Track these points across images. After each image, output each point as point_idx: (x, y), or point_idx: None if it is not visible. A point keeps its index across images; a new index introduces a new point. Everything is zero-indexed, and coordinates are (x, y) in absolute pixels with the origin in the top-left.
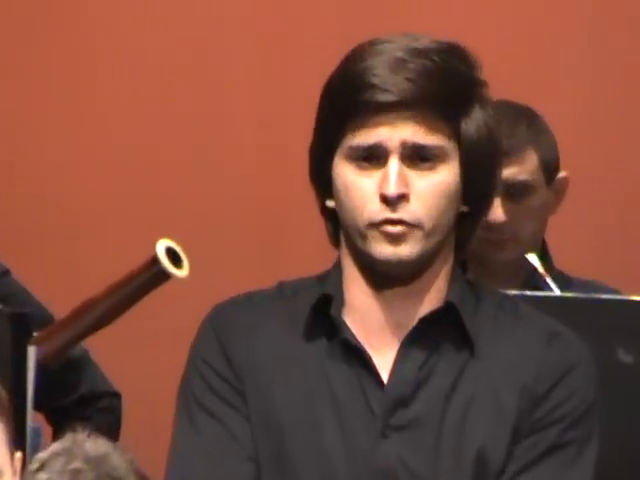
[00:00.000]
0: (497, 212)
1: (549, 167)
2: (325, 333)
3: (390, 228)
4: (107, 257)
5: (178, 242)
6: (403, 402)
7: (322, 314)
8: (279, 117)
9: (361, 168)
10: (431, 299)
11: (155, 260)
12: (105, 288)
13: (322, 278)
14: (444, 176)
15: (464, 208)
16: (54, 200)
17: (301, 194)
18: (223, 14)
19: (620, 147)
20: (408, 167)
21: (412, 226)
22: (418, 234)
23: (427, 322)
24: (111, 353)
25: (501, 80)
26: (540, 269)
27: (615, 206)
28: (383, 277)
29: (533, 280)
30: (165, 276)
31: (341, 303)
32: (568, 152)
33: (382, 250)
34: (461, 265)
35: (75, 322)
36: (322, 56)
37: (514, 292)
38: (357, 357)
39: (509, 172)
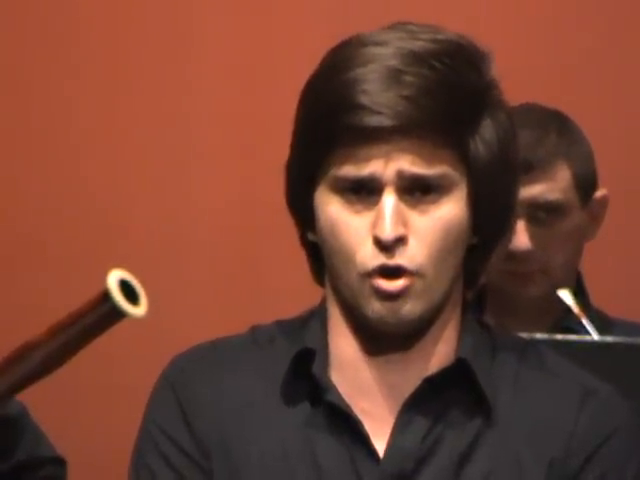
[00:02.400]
0: (521, 239)
1: (584, 184)
2: (307, 394)
3: (386, 284)
4: (49, 292)
5: (134, 274)
6: (404, 479)
7: (303, 371)
8: (253, 124)
9: (350, 203)
10: (438, 354)
11: (106, 295)
12: (46, 329)
13: (304, 321)
14: (449, 210)
15: (474, 240)
16: None
17: (281, 220)
18: (206, 13)
19: None
20: (406, 202)
21: (412, 275)
22: (419, 285)
23: (433, 383)
24: (53, 411)
25: (522, 80)
26: (574, 308)
27: None
28: (379, 333)
29: (566, 321)
30: (118, 314)
31: (325, 358)
32: (607, 166)
33: (376, 309)
34: (478, 302)
35: (9, 370)
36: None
37: (542, 336)
38: (346, 424)
39: (536, 190)
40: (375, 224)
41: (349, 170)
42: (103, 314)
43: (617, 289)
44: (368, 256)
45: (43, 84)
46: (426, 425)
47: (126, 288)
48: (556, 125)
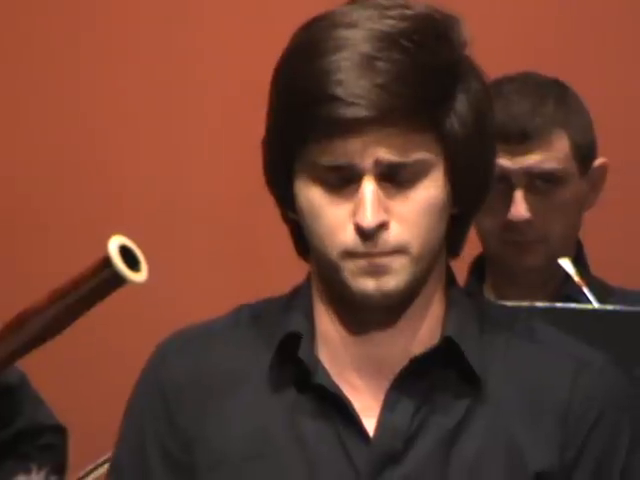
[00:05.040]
0: (520, 208)
1: (583, 153)
2: (294, 378)
3: (369, 259)
4: (50, 258)
5: (135, 241)
6: (394, 458)
7: (289, 354)
8: (256, 112)
9: (330, 191)
10: (424, 329)
11: (107, 261)
12: (46, 295)
13: (290, 299)
14: (429, 191)
15: (454, 210)
16: None
17: None
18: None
19: None
20: (385, 188)
21: (395, 253)
22: (404, 261)
23: (420, 361)
24: (54, 378)
25: (521, 49)
26: (575, 277)
27: None
28: (364, 309)
29: (566, 290)
30: (119, 280)
31: (312, 339)
32: (606, 134)
33: (361, 284)
34: (478, 273)
35: (9, 337)
36: None
37: (542, 304)
38: (334, 406)
39: (533, 160)
40: (356, 212)
41: (327, 160)
42: (103, 280)
43: (617, 257)
44: (350, 241)
45: (40, 57)
46: (415, 403)
47: (127, 254)
48: (554, 94)
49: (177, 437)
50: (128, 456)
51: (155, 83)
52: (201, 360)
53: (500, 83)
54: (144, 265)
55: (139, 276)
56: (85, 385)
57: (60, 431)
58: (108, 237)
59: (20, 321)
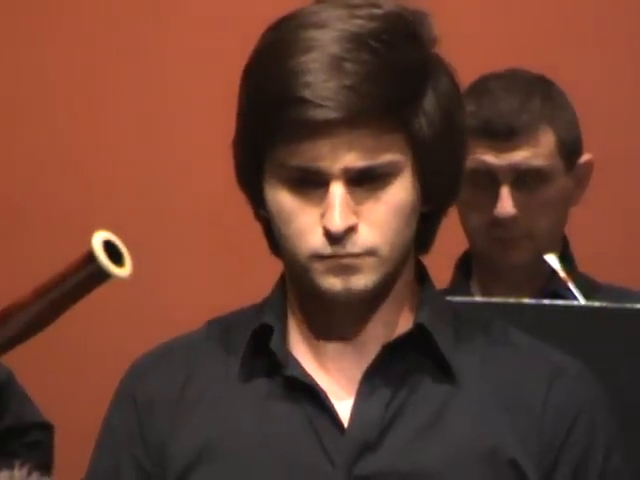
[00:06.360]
0: (506, 205)
1: (568, 150)
2: (266, 371)
3: (337, 259)
4: (35, 254)
5: (120, 237)
6: (369, 448)
7: (262, 348)
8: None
9: (298, 194)
10: (396, 322)
11: (90, 256)
12: (30, 291)
13: (265, 300)
14: (398, 192)
15: (424, 209)
16: None
17: None
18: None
19: None
20: (354, 191)
21: (365, 255)
22: (373, 261)
23: (393, 349)
24: (39, 375)
25: (509, 46)
26: (561, 273)
27: None
28: (334, 306)
29: (552, 286)
30: (103, 275)
31: (285, 332)
32: (592, 130)
33: (328, 284)
34: (465, 269)
35: None
36: None
37: (529, 301)
38: (308, 397)
39: (520, 156)
40: (325, 215)
41: (296, 163)
42: (88, 275)
43: (603, 253)
44: (319, 244)
45: (31, 55)
46: (389, 392)
47: (111, 249)
48: (541, 90)
49: (150, 453)
50: (102, 472)
51: (147, 81)
52: (173, 375)
53: (487, 79)
54: (128, 260)
55: (123, 271)
56: (71, 381)
57: (47, 428)
58: (92, 233)
59: (4, 316)
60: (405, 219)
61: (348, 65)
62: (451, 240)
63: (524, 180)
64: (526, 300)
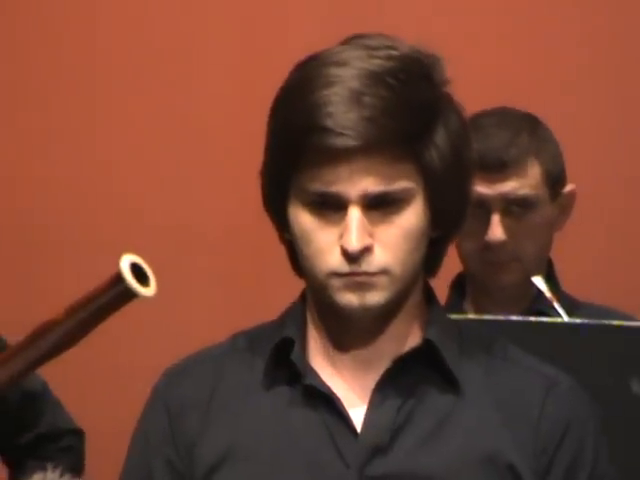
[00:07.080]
0: (496, 231)
1: (553, 180)
2: (287, 381)
3: (353, 277)
4: (67, 275)
5: (145, 259)
6: (381, 450)
7: (283, 360)
8: (260, 127)
9: (319, 216)
10: (407, 336)
11: (119, 277)
12: (64, 309)
13: (285, 315)
14: (410, 217)
15: (434, 234)
16: (7, 212)
17: None
18: (207, 16)
19: (634, 156)
20: (370, 215)
21: (379, 274)
22: (386, 280)
23: (403, 362)
24: (72, 384)
25: (498, 83)
26: (547, 293)
27: (630, 223)
28: (350, 320)
29: (538, 305)
30: (130, 294)
31: (305, 345)
32: (575, 163)
33: (346, 300)
34: (459, 289)
35: (31, 347)
36: None
37: (517, 318)
38: (325, 405)
39: (509, 186)
40: (342, 236)
41: (317, 187)
42: (116, 294)
43: (584, 275)
44: (336, 263)
45: (59, 72)
46: (399, 401)
47: (137, 271)
48: (528, 127)
49: (181, 454)
50: (136, 473)
51: (172, 109)
52: (202, 382)
53: (479, 117)
54: (153, 280)
55: (148, 290)
56: (100, 391)
57: (78, 434)
58: (120, 256)
59: (40, 333)
60: (416, 242)
61: (367, 99)
62: (446, 263)
63: (513, 208)
64: (514, 317)
